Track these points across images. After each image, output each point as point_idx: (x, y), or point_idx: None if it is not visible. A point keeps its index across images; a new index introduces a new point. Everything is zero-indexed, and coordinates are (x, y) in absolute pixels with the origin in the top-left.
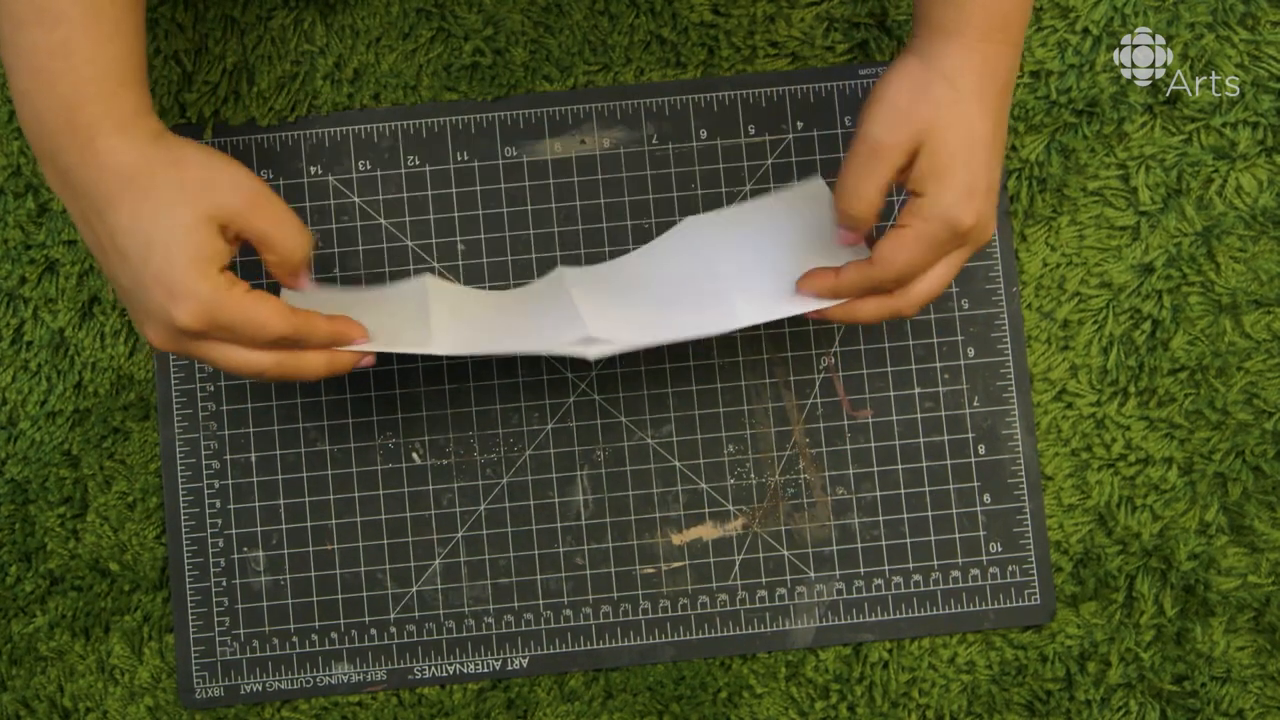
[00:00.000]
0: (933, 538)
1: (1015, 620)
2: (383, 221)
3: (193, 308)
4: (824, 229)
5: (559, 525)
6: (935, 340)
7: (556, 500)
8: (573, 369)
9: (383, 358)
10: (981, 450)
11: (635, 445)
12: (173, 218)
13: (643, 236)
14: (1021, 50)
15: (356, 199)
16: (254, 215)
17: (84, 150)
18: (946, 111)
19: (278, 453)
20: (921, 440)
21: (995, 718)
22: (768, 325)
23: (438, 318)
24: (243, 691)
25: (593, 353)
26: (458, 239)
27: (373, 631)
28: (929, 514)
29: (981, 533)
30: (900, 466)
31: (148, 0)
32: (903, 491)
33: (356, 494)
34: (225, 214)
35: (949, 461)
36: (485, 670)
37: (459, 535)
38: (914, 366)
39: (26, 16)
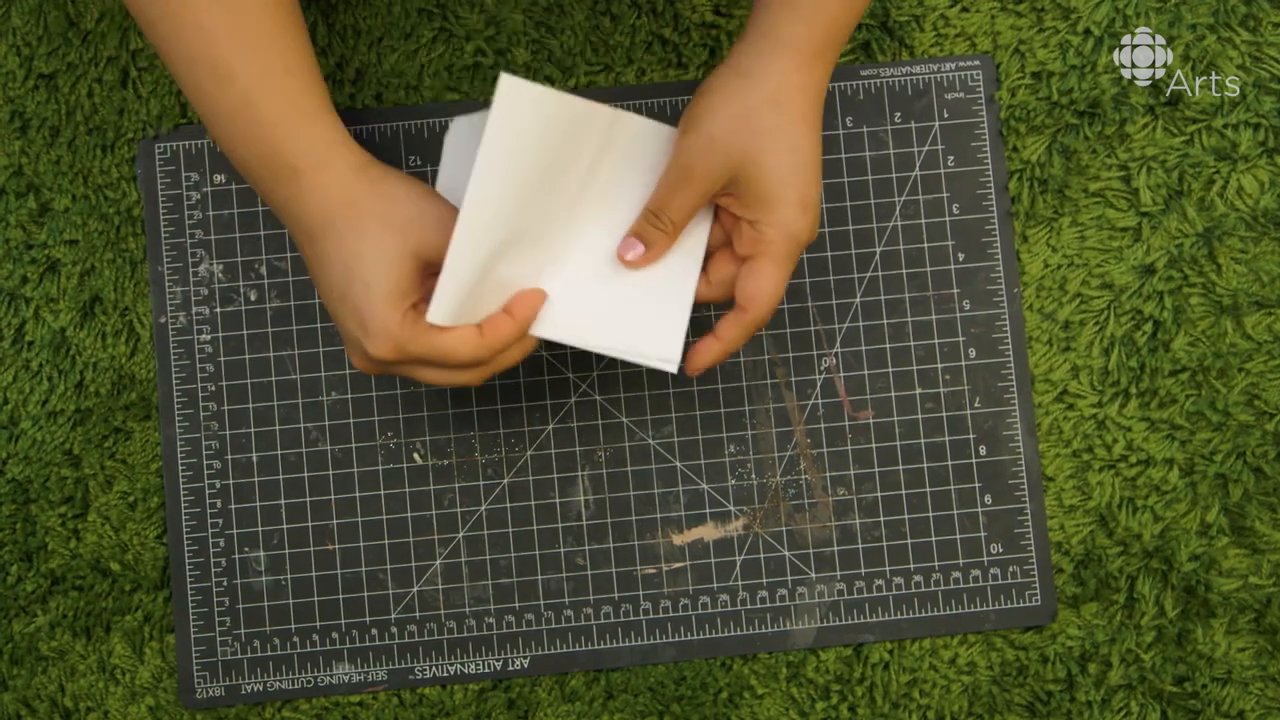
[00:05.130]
0: (934, 539)
1: (1016, 621)
2: None
3: (384, 343)
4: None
5: (560, 525)
6: (936, 341)
7: (558, 500)
8: (574, 369)
9: None
10: (982, 451)
11: (636, 445)
12: (377, 253)
13: None
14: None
15: None
16: None
17: (291, 187)
18: (772, 139)
19: (279, 453)
20: (923, 441)
21: (996, 719)
22: (768, 326)
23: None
24: (243, 691)
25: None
26: None
27: (374, 631)
28: (930, 515)
29: (982, 534)
30: (901, 467)
31: None
32: (904, 492)
33: (357, 494)
34: (430, 251)
35: (950, 462)
36: (486, 670)
37: (460, 535)
38: (915, 367)
39: (204, 80)
